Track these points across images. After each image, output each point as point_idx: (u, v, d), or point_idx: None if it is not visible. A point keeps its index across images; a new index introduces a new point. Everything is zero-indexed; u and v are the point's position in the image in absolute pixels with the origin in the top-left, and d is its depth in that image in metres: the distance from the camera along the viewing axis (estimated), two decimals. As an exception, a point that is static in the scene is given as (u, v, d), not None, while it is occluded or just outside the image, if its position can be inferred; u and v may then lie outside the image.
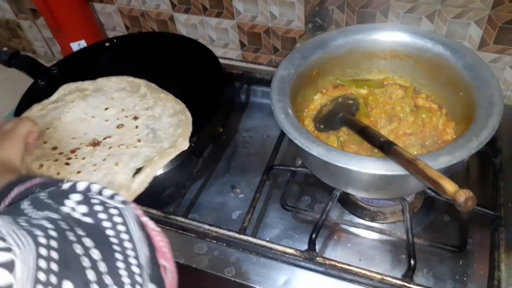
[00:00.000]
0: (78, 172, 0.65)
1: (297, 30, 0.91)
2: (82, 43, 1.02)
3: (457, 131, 0.61)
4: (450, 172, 0.52)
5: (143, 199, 0.68)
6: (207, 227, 0.63)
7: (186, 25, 1.01)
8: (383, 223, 0.66)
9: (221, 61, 0.86)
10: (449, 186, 0.41)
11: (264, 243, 0.61)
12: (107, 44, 0.91)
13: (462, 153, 0.48)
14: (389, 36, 0.67)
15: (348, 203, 0.68)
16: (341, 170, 0.50)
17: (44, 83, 0.84)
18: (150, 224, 0.36)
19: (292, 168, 0.70)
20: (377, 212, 0.66)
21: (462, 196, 0.39)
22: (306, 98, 0.70)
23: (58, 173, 0.65)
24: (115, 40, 0.94)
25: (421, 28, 0.79)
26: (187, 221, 0.65)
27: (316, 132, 0.65)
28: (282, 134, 0.75)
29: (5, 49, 0.79)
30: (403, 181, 0.53)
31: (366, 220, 0.66)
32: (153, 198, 0.71)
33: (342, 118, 0.62)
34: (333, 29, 0.87)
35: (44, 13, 0.98)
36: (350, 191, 0.60)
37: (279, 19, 0.90)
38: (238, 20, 0.94)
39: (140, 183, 0.63)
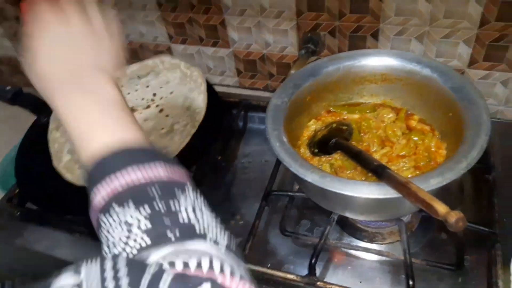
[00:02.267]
0: None
1: (291, 55, 0.93)
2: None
3: (450, 151, 0.62)
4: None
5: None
6: (208, 255, 0.64)
7: (183, 55, 1.04)
8: (381, 244, 0.66)
9: (219, 88, 0.88)
10: (441, 207, 0.42)
11: (265, 270, 0.62)
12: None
13: (452, 174, 0.49)
14: (378, 61, 0.69)
15: (347, 226, 0.69)
16: (337, 195, 0.52)
17: (46, 119, 0.86)
18: None
19: (290, 194, 0.72)
20: (375, 233, 0.67)
21: (453, 217, 0.40)
22: (301, 125, 0.71)
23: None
24: None
25: (411, 49, 0.82)
26: (189, 250, 0.66)
27: (312, 157, 0.67)
28: (279, 160, 0.76)
29: (8, 88, 0.82)
30: (398, 203, 0.54)
31: (365, 241, 0.67)
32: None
33: (336, 143, 0.63)
34: (326, 54, 0.89)
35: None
36: (347, 214, 0.61)
37: (273, 46, 0.93)
38: (234, 49, 0.97)
39: None
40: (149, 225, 0.34)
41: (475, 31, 0.75)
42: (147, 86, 0.91)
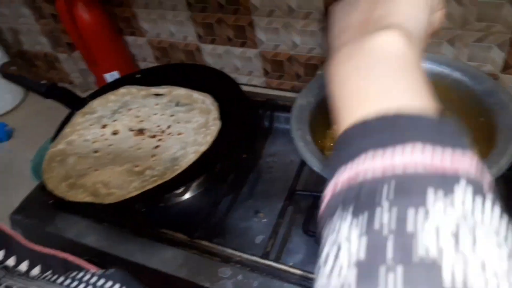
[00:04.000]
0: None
1: (319, 57, 0.93)
2: (115, 74, 1.08)
3: (481, 156, 0.61)
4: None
5: (169, 224, 0.71)
6: (230, 251, 0.65)
7: (211, 55, 1.05)
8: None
9: (246, 88, 0.89)
10: None
11: (286, 268, 0.62)
12: (137, 76, 0.97)
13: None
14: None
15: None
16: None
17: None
18: None
19: (315, 194, 0.71)
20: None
21: None
22: (326, 126, 0.71)
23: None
24: (139, 76, 0.98)
25: (442, 53, 0.80)
26: (211, 245, 0.67)
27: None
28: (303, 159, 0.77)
29: (43, 82, 0.85)
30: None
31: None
32: (179, 223, 0.74)
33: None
34: (354, 56, 0.89)
35: (80, 48, 1.05)
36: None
37: (301, 47, 0.93)
38: (262, 49, 0.98)
39: None
40: (361, 255, 0.22)
41: (509, 35, 0.73)
42: (172, 116, 0.83)
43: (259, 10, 0.90)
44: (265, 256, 0.63)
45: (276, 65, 1.00)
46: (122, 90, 0.89)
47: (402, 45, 0.30)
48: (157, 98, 0.87)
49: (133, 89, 0.89)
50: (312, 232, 0.68)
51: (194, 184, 0.78)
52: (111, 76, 1.08)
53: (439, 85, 0.66)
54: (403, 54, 0.30)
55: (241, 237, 0.72)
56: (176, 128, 0.79)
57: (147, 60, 1.16)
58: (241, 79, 1.07)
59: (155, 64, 1.16)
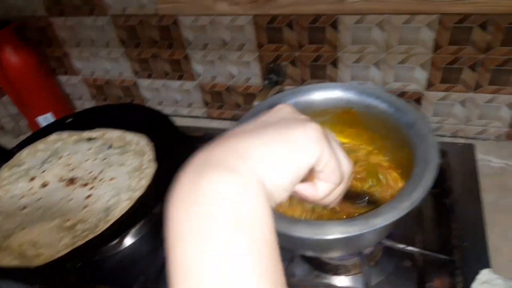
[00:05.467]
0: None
1: (256, 86, 0.94)
2: (49, 116, 1.04)
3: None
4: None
5: (105, 278, 0.68)
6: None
7: (149, 89, 1.04)
8: (347, 276, 0.66)
9: (187, 120, 0.87)
10: None
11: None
12: (68, 121, 0.93)
13: (393, 215, 0.47)
14: (338, 94, 0.68)
15: (312, 259, 0.68)
16: (285, 235, 0.51)
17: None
18: None
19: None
20: (338, 265, 0.67)
21: None
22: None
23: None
24: (70, 120, 0.96)
25: (370, 76, 0.83)
26: (154, 296, 0.64)
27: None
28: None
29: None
30: (354, 240, 0.53)
31: (329, 274, 0.66)
32: (116, 276, 0.71)
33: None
34: (290, 83, 0.90)
35: (9, 92, 1.00)
36: (307, 253, 0.60)
37: (237, 78, 0.94)
38: (199, 81, 0.98)
39: None
40: None
41: (429, 55, 0.77)
42: (105, 159, 0.81)
43: (193, 44, 0.90)
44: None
45: (215, 96, 1.00)
46: (52, 137, 0.86)
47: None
48: (90, 143, 0.84)
49: (64, 134, 0.86)
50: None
51: (132, 231, 0.75)
52: (45, 118, 1.04)
53: (369, 116, 0.68)
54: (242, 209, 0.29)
55: (184, 282, 0.70)
56: (108, 173, 0.77)
57: (83, 98, 1.13)
58: (181, 111, 1.06)
59: (92, 102, 1.13)
